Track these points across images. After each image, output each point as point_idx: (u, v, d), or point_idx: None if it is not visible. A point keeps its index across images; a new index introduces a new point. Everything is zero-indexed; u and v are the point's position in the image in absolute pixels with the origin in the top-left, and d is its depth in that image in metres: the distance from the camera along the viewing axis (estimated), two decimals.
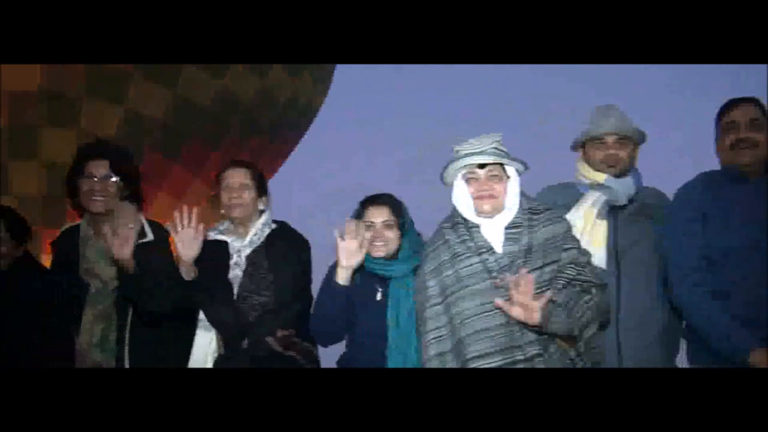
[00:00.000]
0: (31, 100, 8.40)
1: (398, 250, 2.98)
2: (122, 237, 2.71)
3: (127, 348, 2.85)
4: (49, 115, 8.48)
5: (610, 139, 3.13)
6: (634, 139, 3.19)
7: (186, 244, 2.82)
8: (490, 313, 2.51)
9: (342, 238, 2.77)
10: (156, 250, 2.86)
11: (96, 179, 2.94)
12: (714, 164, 3.06)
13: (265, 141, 9.99)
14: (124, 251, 2.71)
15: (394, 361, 2.82)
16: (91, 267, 2.92)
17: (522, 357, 2.45)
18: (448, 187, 2.76)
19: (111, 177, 2.96)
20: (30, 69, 8.12)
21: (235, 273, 3.00)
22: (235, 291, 2.96)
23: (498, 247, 2.60)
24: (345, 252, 2.77)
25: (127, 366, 2.88)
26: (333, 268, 2.84)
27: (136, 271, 2.76)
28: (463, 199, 2.66)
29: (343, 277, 2.78)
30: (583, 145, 3.25)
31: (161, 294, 2.81)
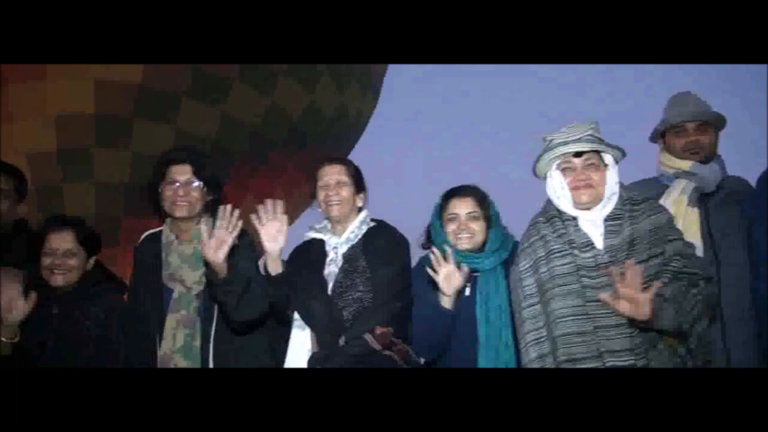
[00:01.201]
0: (127, 94, 8.44)
1: (484, 242, 2.91)
2: (217, 240, 2.64)
3: (211, 354, 2.78)
4: (143, 110, 8.52)
5: (690, 126, 3.07)
6: (714, 124, 3.12)
7: (271, 237, 2.75)
8: (583, 315, 2.41)
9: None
10: (242, 255, 2.78)
11: (179, 184, 2.90)
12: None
13: (313, 154, 9.97)
14: (218, 255, 2.64)
15: (485, 357, 2.75)
16: (175, 272, 2.87)
17: (616, 364, 2.34)
18: (541, 179, 2.66)
19: (194, 182, 2.91)
20: (132, 65, 8.18)
21: (331, 269, 2.92)
22: (331, 286, 2.87)
23: (598, 240, 2.49)
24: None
25: None
26: (429, 285, 2.78)
27: (228, 275, 2.69)
28: (559, 190, 2.56)
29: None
30: (663, 135, 3.17)
31: (252, 299, 2.75)
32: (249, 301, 2.74)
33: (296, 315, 2.85)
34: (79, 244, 2.89)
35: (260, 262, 2.81)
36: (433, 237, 3.00)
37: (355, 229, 2.99)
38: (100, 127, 8.58)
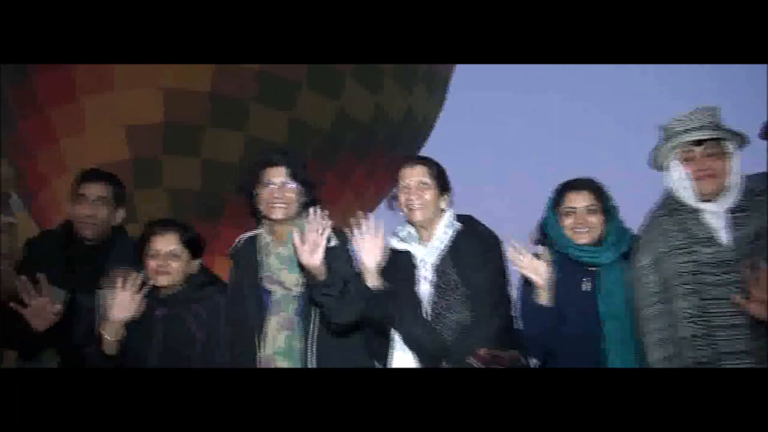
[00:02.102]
0: (197, 102, 8.57)
1: (603, 236, 2.81)
2: (312, 243, 2.61)
3: (315, 356, 2.74)
4: (214, 117, 8.63)
5: None
6: None
7: (368, 251, 2.69)
8: (704, 315, 2.29)
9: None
10: (337, 255, 2.74)
11: (275, 186, 2.89)
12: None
13: (380, 158, 9.94)
14: (314, 259, 2.61)
15: (614, 353, 2.65)
16: (273, 274, 2.86)
17: (735, 366, 2.26)
18: (658, 170, 2.56)
19: (289, 184, 2.90)
20: (200, 71, 8.30)
21: (425, 288, 2.80)
22: (428, 309, 2.75)
23: (722, 234, 2.38)
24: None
25: None
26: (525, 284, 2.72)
27: (326, 278, 2.65)
28: (680, 181, 2.45)
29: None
30: None
31: (350, 301, 2.70)
32: (348, 303, 2.69)
33: (396, 337, 2.78)
34: (182, 246, 2.90)
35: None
36: (548, 232, 2.91)
37: (441, 235, 2.86)
38: (169, 135, 8.71)
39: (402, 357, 2.76)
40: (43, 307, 2.74)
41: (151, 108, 8.62)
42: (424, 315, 2.74)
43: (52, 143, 8.90)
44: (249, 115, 8.72)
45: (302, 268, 2.70)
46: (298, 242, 2.62)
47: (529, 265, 2.67)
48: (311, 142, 8.99)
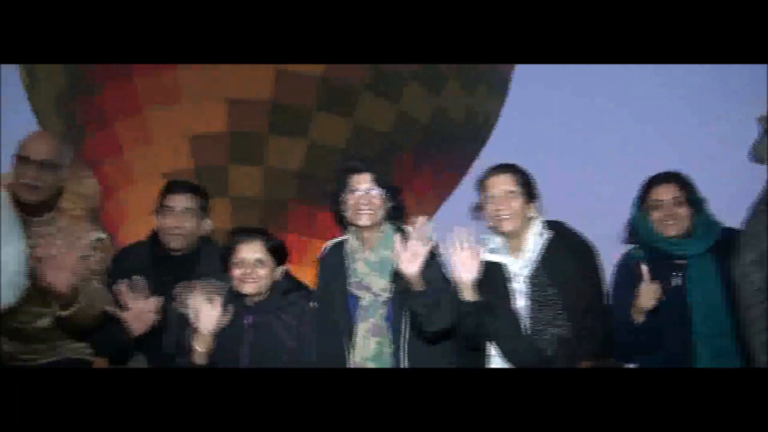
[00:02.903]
0: (260, 111, 8.69)
1: (691, 229, 2.84)
2: (413, 252, 2.60)
3: (406, 362, 2.74)
4: (277, 125, 8.77)
5: None
6: None
7: (464, 266, 2.62)
8: None
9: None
10: (431, 263, 2.73)
11: (361, 193, 2.91)
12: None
13: (440, 160, 9.93)
14: (413, 267, 2.60)
15: (704, 347, 2.65)
16: (362, 280, 2.87)
17: None
18: (760, 164, 2.48)
19: (374, 189, 2.91)
20: (262, 80, 8.46)
21: (521, 303, 2.74)
22: (526, 323, 2.70)
23: None
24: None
25: None
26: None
27: (423, 288, 2.65)
28: None
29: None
30: None
31: (444, 310, 2.68)
32: (441, 312, 2.68)
33: (492, 351, 2.76)
34: (267, 254, 2.92)
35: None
36: (637, 228, 2.94)
37: (532, 245, 2.78)
38: (234, 144, 8.83)
39: None
40: (142, 310, 2.78)
41: (215, 118, 8.76)
42: (523, 330, 2.69)
43: (118, 155, 9.11)
44: (310, 122, 8.80)
45: (396, 274, 2.70)
46: (399, 249, 2.62)
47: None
48: (372, 146, 9.03)
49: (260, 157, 8.82)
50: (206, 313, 2.72)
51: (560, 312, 2.64)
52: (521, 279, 2.76)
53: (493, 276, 2.77)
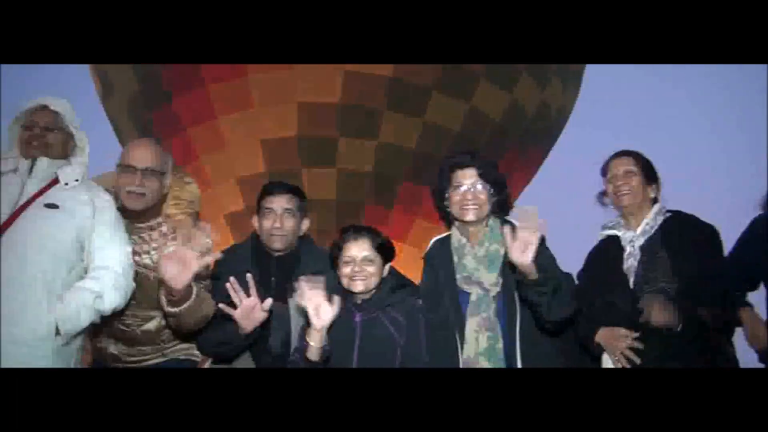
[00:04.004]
0: (329, 114, 8.77)
1: None
2: (524, 241, 2.56)
3: (519, 357, 2.70)
4: (347, 126, 8.86)
5: None
6: None
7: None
8: None
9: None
10: (542, 252, 2.69)
11: (466, 188, 2.89)
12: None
13: (515, 153, 9.84)
14: (526, 256, 2.56)
15: None
16: (471, 275, 2.84)
17: None
18: None
19: (480, 184, 2.89)
20: (331, 82, 8.55)
21: (629, 263, 2.95)
22: (631, 281, 2.90)
23: None
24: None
25: None
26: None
27: (539, 277, 2.61)
28: None
29: None
30: None
31: (563, 298, 2.66)
32: (561, 300, 2.65)
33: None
34: (375, 251, 2.92)
35: None
36: None
37: (650, 220, 2.99)
38: (306, 147, 8.91)
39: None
40: (252, 307, 2.79)
41: (286, 122, 8.85)
42: (630, 287, 2.89)
43: (192, 160, 9.28)
44: (381, 122, 8.82)
45: (507, 267, 2.67)
46: (509, 239, 2.59)
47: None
48: (444, 145, 9.00)
49: (332, 159, 8.88)
50: (325, 309, 2.72)
51: (665, 271, 2.83)
52: (635, 245, 2.96)
53: (609, 246, 3.06)
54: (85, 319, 2.62)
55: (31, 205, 2.67)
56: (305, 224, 3.27)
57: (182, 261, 2.59)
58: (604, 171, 3.14)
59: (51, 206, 2.69)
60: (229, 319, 2.82)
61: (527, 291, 2.65)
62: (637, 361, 2.80)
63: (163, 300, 2.68)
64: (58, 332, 2.57)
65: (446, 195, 2.94)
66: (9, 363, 2.45)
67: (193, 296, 2.68)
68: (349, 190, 8.87)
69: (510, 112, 9.44)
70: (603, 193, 3.14)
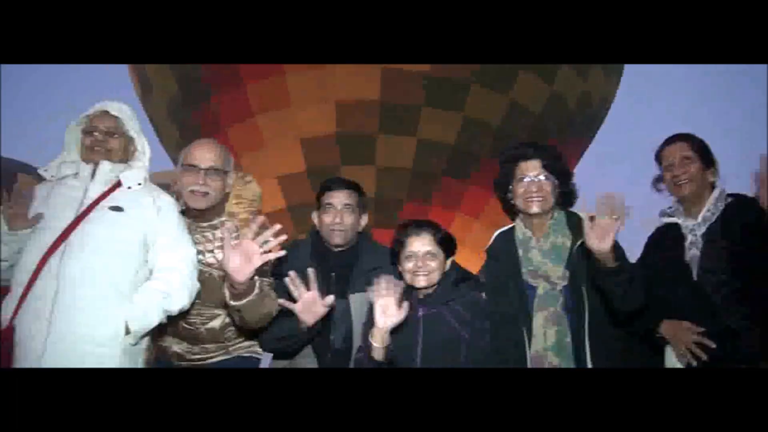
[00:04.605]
0: (368, 111, 8.79)
1: None
2: (602, 230, 2.52)
3: (589, 353, 2.67)
4: (386, 124, 8.85)
5: None
6: None
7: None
8: None
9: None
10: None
11: (530, 180, 2.86)
12: None
13: (554, 144, 9.78)
14: (605, 244, 2.52)
15: None
16: (537, 268, 2.81)
17: None
18: None
19: (545, 176, 2.85)
20: (369, 80, 8.58)
21: (692, 253, 2.87)
22: (694, 273, 2.83)
23: None
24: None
25: None
26: None
27: (617, 265, 2.57)
28: None
29: None
30: None
31: (637, 287, 2.62)
32: (635, 290, 2.62)
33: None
34: (437, 246, 2.90)
35: None
36: None
37: (711, 207, 2.90)
38: (345, 146, 8.92)
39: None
40: (313, 301, 2.79)
41: (325, 121, 8.87)
42: (693, 278, 2.82)
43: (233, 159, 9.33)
44: (420, 119, 8.79)
45: (588, 254, 2.62)
46: (587, 227, 2.55)
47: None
48: (483, 139, 8.96)
49: (371, 157, 8.88)
50: (392, 310, 2.70)
51: (728, 262, 2.76)
52: (696, 234, 2.87)
53: (670, 235, 2.96)
54: (155, 319, 2.66)
55: (95, 208, 2.71)
56: (364, 220, 3.27)
57: (246, 254, 2.59)
58: (659, 157, 3.05)
59: (116, 209, 2.73)
60: (291, 315, 2.83)
61: (603, 280, 2.60)
62: (704, 357, 2.75)
63: (227, 294, 2.69)
64: (127, 332, 2.59)
65: (509, 187, 2.92)
66: (79, 363, 2.49)
67: (256, 291, 2.68)
68: (387, 187, 8.86)
69: (551, 103, 9.35)
70: (658, 179, 3.06)
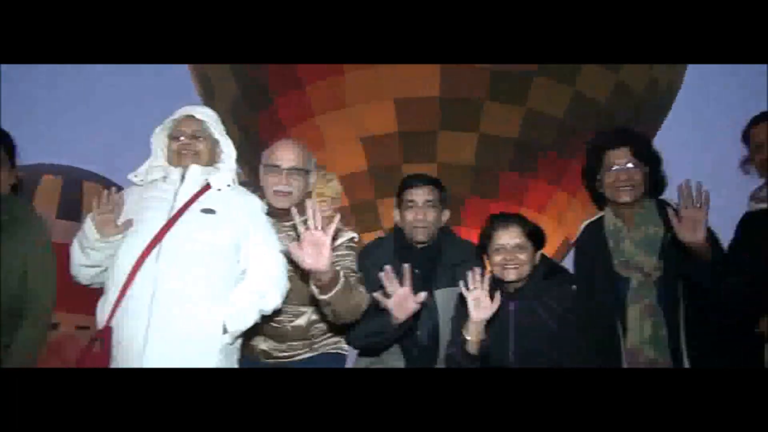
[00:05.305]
0: (427, 107, 8.78)
1: None
2: (691, 220, 2.48)
3: (684, 344, 2.61)
4: (447, 120, 8.83)
5: None
6: None
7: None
8: None
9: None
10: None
11: (620, 168, 2.82)
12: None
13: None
14: (698, 235, 2.47)
15: None
16: (630, 260, 2.77)
17: None
18: None
19: (635, 163, 2.80)
20: (428, 77, 8.54)
21: None
22: None
23: None
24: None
25: (686, 365, 2.65)
26: None
27: (713, 256, 2.52)
28: None
29: None
30: None
31: (736, 281, 2.57)
32: (735, 283, 2.56)
33: None
34: (526, 238, 2.88)
35: None
36: None
37: None
38: (406, 143, 8.91)
39: None
40: (406, 296, 2.78)
41: (385, 119, 8.87)
42: None
43: None
44: (481, 114, 8.74)
45: (679, 245, 2.56)
46: (676, 221, 2.50)
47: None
48: (547, 133, 8.86)
49: (432, 154, 8.86)
50: (476, 301, 2.70)
51: None
52: None
53: (761, 221, 2.80)
54: (251, 318, 2.69)
55: (186, 211, 2.75)
56: (446, 215, 3.26)
57: (314, 244, 2.59)
58: (746, 137, 2.94)
59: (207, 211, 2.76)
60: (381, 311, 2.83)
61: (702, 274, 2.55)
62: None
63: (315, 290, 2.70)
64: (225, 331, 2.63)
65: (597, 176, 2.87)
66: (178, 362, 2.52)
67: (341, 281, 2.68)
68: (449, 184, 8.84)
69: (617, 93, 9.17)
70: (746, 160, 2.94)
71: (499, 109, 8.73)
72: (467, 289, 2.71)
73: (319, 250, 2.57)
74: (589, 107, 9.05)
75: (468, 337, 2.70)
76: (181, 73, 12.31)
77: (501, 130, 8.81)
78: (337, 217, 2.68)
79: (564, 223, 9.14)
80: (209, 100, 10.70)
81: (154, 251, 2.64)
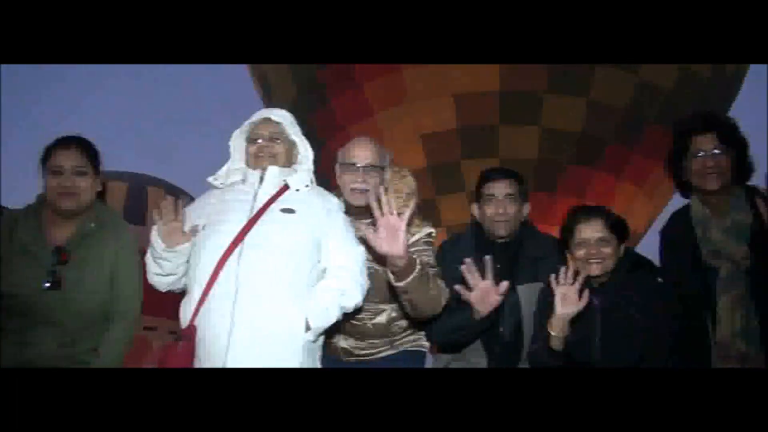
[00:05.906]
0: (487, 102, 8.74)
1: None
2: None
3: None
4: (507, 114, 8.77)
5: None
6: None
7: None
8: None
9: None
10: None
11: (705, 154, 2.74)
12: None
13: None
14: None
15: None
16: (720, 249, 2.69)
17: None
18: None
19: (722, 149, 2.73)
20: (487, 72, 8.50)
21: None
22: None
23: None
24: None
25: None
26: None
27: None
28: None
29: None
30: None
31: None
32: None
33: None
34: (609, 231, 2.82)
35: None
36: None
37: None
38: (465, 139, 8.86)
39: None
40: (488, 289, 2.76)
41: (444, 115, 8.84)
42: None
43: None
44: (542, 107, 8.64)
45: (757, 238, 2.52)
46: (763, 208, 2.47)
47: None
48: (610, 124, 8.72)
49: (494, 150, 8.79)
50: (563, 295, 2.65)
51: None
52: None
53: None
54: (333, 315, 2.70)
55: (266, 211, 2.77)
56: (526, 209, 3.21)
57: (389, 229, 2.59)
58: None
59: (287, 211, 2.78)
60: (463, 306, 2.81)
61: None
62: None
63: (391, 277, 2.69)
64: (308, 328, 2.64)
65: (683, 163, 2.80)
66: (262, 360, 2.55)
67: (417, 268, 2.66)
68: None
69: (683, 79, 8.96)
70: None
71: (560, 101, 8.62)
72: (557, 283, 2.67)
73: (394, 235, 2.57)
74: (653, 95, 8.86)
75: (552, 333, 2.66)
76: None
77: (564, 123, 8.69)
78: (413, 203, 2.67)
79: (630, 216, 8.98)
80: (269, 101, 10.84)
81: (236, 251, 2.67)
